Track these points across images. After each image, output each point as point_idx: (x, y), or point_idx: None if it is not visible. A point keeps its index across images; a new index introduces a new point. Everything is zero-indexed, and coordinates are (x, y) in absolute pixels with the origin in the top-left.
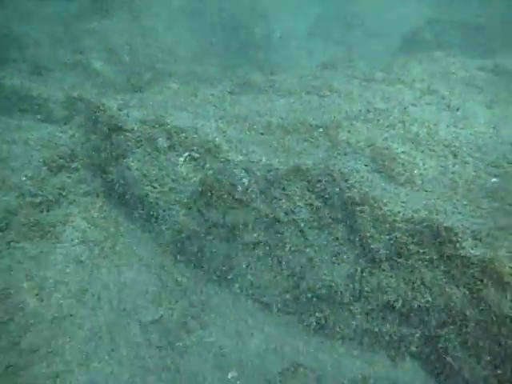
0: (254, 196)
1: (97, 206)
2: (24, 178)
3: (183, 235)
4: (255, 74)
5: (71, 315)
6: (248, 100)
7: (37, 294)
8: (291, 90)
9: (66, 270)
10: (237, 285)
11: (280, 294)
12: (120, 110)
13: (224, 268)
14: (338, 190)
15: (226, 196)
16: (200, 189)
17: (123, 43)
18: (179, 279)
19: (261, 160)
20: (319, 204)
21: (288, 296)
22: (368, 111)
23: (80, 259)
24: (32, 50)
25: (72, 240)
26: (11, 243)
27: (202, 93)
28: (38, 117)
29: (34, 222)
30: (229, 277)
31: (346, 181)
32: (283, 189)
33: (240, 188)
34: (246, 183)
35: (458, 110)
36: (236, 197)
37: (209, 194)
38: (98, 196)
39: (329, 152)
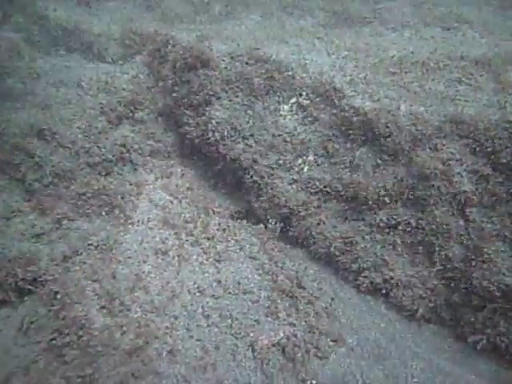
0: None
1: (176, 170)
2: (77, 131)
3: (289, 211)
4: (353, 1)
5: (157, 338)
6: (351, 35)
7: (104, 306)
8: (404, 21)
9: (144, 267)
10: (365, 281)
11: (429, 296)
12: (200, 41)
13: (346, 258)
14: None
15: None
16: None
17: None
18: (296, 276)
19: (399, 108)
20: (489, 171)
21: (441, 300)
22: None
23: (162, 249)
24: None
25: (150, 220)
26: (63, 222)
27: (289, 25)
28: (89, 56)
29: (95, 192)
30: (353, 268)
31: None
32: (435, 148)
33: None
34: None
35: None
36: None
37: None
38: (169, 156)
39: (498, 97)
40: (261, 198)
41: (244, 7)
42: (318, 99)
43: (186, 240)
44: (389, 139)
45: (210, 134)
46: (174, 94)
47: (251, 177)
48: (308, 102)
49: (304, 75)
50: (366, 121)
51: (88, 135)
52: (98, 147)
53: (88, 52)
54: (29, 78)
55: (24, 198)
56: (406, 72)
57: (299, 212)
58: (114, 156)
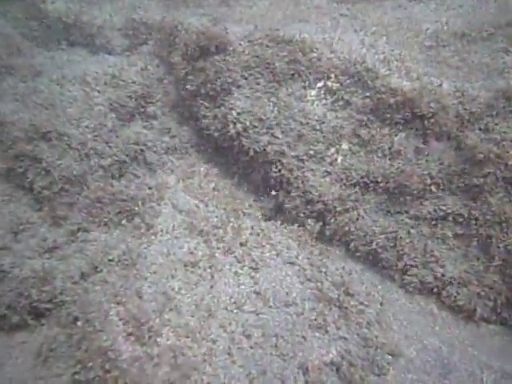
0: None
1: (199, 169)
2: (86, 131)
3: (323, 206)
4: None
5: (194, 369)
6: (374, 9)
7: (132, 333)
8: None
9: (173, 283)
10: (413, 279)
11: (487, 294)
12: (214, 25)
13: (390, 255)
14: None
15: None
16: None
17: None
18: (342, 282)
19: (441, 85)
20: None
21: (501, 298)
22: None
23: (191, 260)
24: None
25: (174, 228)
26: (79, 232)
27: (304, 4)
28: (92, 49)
29: (111, 198)
30: (398, 266)
31: None
32: (486, 128)
33: None
34: None
35: None
36: None
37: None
38: (187, 152)
39: None
40: (291, 194)
41: None
42: (348, 81)
43: (217, 248)
44: (432, 121)
45: (231, 126)
46: (188, 85)
47: (279, 171)
48: (337, 84)
49: (331, 55)
50: (405, 102)
51: (98, 135)
52: (110, 147)
53: (91, 45)
54: (30, 76)
55: (33, 208)
56: (443, 46)
57: (335, 207)
58: (127, 156)
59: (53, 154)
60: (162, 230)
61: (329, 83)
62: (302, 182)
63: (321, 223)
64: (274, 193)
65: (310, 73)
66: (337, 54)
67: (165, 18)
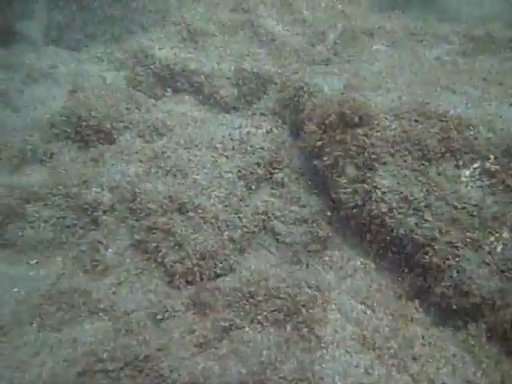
0: None
1: (356, 263)
2: (217, 201)
3: (481, 300)
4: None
5: None
6: (509, 71)
7: None
8: None
9: None
10: None
11: None
12: (350, 92)
13: None
14: None
15: None
16: None
17: None
18: None
19: None
20: None
21: None
22: None
23: (370, 383)
24: (180, 10)
25: (345, 340)
26: (231, 331)
27: (423, 57)
28: (199, 97)
29: (264, 294)
30: None
31: None
32: None
33: None
34: None
35: None
36: None
37: None
38: (318, 225)
39: None
40: (443, 283)
41: (365, 35)
42: (511, 164)
43: (392, 365)
44: None
45: (375, 206)
46: (325, 157)
47: (430, 257)
48: (497, 166)
49: (490, 134)
50: None
51: (228, 205)
52: (239, 218)
53: (198, 93)
54: (147, 131)
55: (165, 282)
56: None
57: (494, 301)
58: (255, 226)
59: (187, 227)
60: (332, 343)
61: (487, 164)
62: (457, 272)
63: (485, 326)
64: (421, 280)
65: (464, 152)
66: (496, 133)
67: (283, 75)
